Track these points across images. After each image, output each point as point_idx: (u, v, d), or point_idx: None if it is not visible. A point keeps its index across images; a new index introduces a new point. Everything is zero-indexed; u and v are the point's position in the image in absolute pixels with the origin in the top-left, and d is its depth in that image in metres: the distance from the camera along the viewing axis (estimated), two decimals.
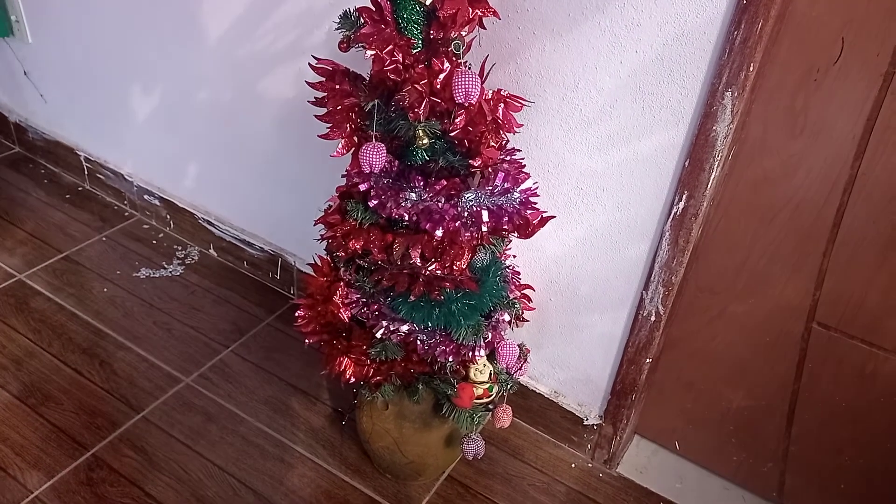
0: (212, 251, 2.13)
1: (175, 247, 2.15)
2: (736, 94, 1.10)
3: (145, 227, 2.22)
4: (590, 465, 1.63)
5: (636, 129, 1.23)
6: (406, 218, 1.19)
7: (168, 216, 2.17)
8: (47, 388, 1.66)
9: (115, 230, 2.19)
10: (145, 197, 2.20)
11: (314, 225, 1.35)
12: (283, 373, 1.77)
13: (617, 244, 1.36)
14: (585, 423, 1.59)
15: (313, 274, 1.42)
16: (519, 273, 1.42)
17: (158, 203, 2.17)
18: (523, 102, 1.19)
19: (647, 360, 1.43)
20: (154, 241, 2.16)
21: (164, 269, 2.06)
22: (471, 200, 1.15)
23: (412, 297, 1.21)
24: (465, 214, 1.16)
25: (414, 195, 1.17)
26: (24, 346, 1.76)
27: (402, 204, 1.17)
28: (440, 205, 1.16)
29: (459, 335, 1.26)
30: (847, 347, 1.31)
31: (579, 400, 1.59)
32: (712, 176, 1.18)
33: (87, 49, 2.05)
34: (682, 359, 1.51)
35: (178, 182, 2.09)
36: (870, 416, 1.35)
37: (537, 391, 1.63)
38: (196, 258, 2.12)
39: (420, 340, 1.29)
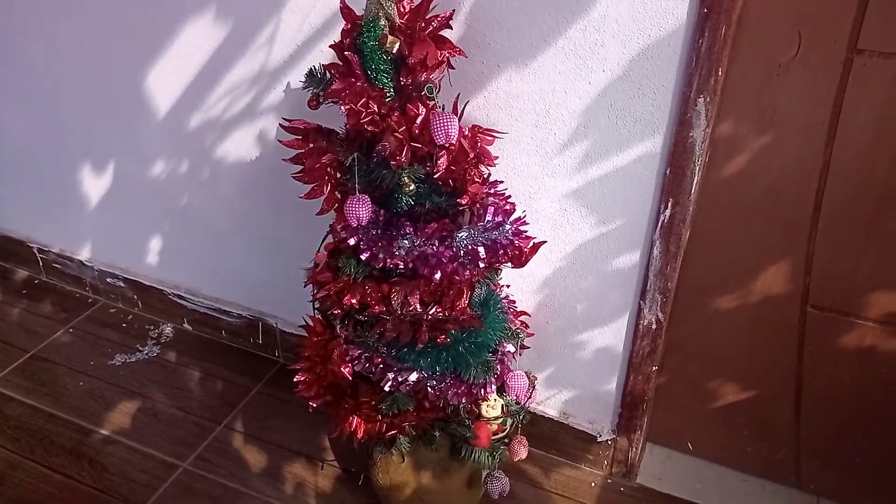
0: (186, 325, 2.06)
1: (147, 327, 2.07)
2: (708, 100, 1.12)
3: (112, 311, 2.14)
4: (609, 480, 1.62)
5: (612, 145, 1.24)
6: (401, 266, 1.17)
7: (135, 296, 2.10)
8: (37, 499, 1.56)
9: (80, 319, 2.10)
10: (108, 280, 2.12)
11: (304, 286, 1.32)
12: (282, 440, 1.71)
13: (607, 258, 1.36)
14: (599, 439, 1.58)
15: (307, 335, 1.38)
16: (514, 302, 1.41)
17: (123, 284, 2.09)
18: (496, 135, 1.19)
19: (654, 368, 1.43)
20: (124, 325, 2.08)
21: (140, 351, 1.98)
22: (465, 239, 1.15)
23: (419, 345, 1.19)
24: (462, 254, 1.15)
25: (407, 242, 1.15)
26: (5, 458, 1.65)
27: (397, 253, 1.16)
28: (435, 248, 1.15)
29: (470, 375, 1.24)
30: (843, 325, 1.34)
31: (590, 418, 1.58)
32: (695, 180, 1.20)
33: (27, 137, 1.98)
34: (685, 361, 1.52)
35: (142, 260, 2.02)
36: (874, 389, 1.38)
37: (546, 416, 1.62)
38: (171, 335, 2.04)
39: (430, 387, 1.26)
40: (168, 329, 2.06)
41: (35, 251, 2.20)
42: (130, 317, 2.11)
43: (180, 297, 2.01)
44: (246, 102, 1.58)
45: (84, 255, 2.14)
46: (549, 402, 1.61)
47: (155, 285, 2.04)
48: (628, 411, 1.51)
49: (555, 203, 1.35)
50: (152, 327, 2.07)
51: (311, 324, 1.38)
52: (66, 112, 1.85)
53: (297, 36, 1.43)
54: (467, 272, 1.15)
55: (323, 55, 1.41)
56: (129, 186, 1.90)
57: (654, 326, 1.38)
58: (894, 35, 1.08)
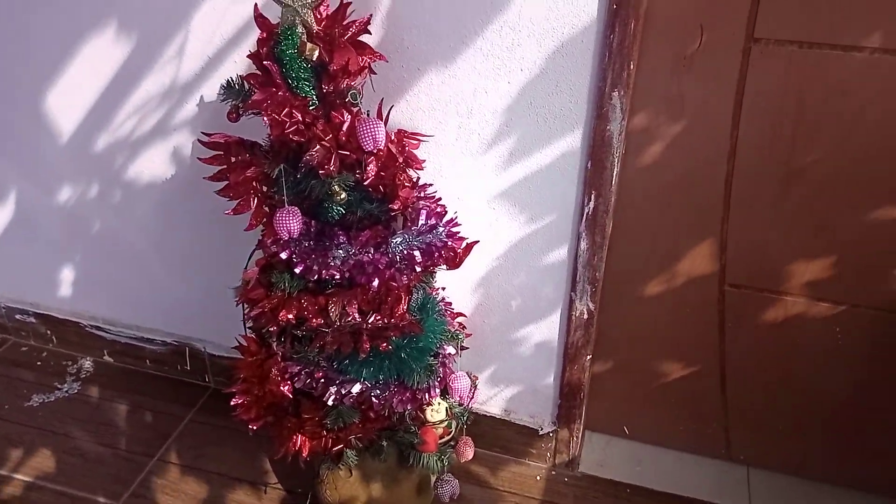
0: (107, 357, 1.96)
1: (64, 362, 1.96)
2: (622, 93, 1.17)
3: (24, 349, 2.01)
4: (554, 472, 1.65)
5: (535, 142, 1.27)
6: (337, 276, 1.16)
7: (48, 332, 1.98)
8: None
9: None
10: (17, 317, 1.99)
11: (236, 305, 1.29)
12: (220, 467, 1.66)
13: (538, 254, 1.39)
14: (541, 433, 1.61)
15: (241, 356, 1.35)
16: (451, 304, 1.42)
17: (34, 320, 1.97)
18: (421, 138, 1.20)
19: (588, 358, 1.47)
20: (39, 363, 1.96)
21: (59, 389, 1.88)
22: (400, 244, 1.15)
23: (361, 355, 1.18)
24: (398, 259, 1.15)
25: (342, 252, 1.14)
26: None
27: (332, 263, 1.14)
28: (371, 255, 1.14)
29: (413, 380, 1.24)
30: (759, 301, 1.42)
31: (530, 412, 1.61)
32: (615, 172, 1.25)
33: None
34: (615, 348, 1.57)
35: (54, 293, 1.91)
36: (793, 358, 1.46)
37: (488, 414, 1.63)
38: (91, 369, 1.94)
39: (374, 396, 1.25)
40: (87, 363, 1.96)
41: None
42: (45, 353, 1.99)
43: (98, 328, 1.92)
44: (157, 119, 1.52)
45: None
46: (490, 401, 1.62)
47: (70, 318, 1.93)
48: (567, 402, 1.55)
49: (483, 203, 1.37)
50: (70, 363, 1.96)
51: (244, 344, 1.35)
52: None
53: (207, 48, 1.39)
54: (405, 277, 1.15)
55: (237, 66, 1.38)
56: (33, 215, 1.79)
57: (585, 317, 1.42)
58: (787, 23, 1.16)
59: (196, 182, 1.56)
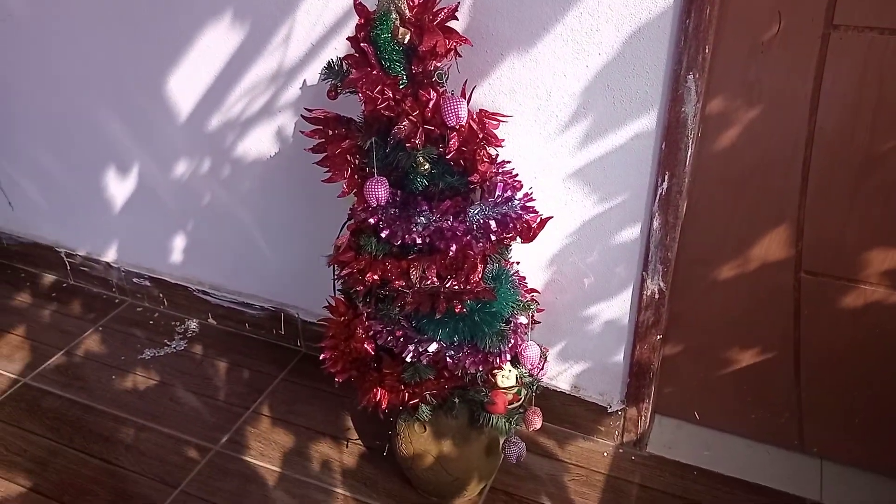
0: (211, 320, 2.15)
1: (173, 323, 2.17)
2: (697, 76, 1.21)
3: (139, 309, 2.23)
4: (621, 450, 1.69)
5: (611, 124, 1.33)
6: (419, 242, 1.26)
7: (161, 295, 2.19)
8: (79, 483, 1.65)
9: (109, 318, 2.20)
10: (134, 280, 2.21)
11: (328, 266, 1.41)
12: (308, 422, 1.80)
13: (611, 232, 1.45)
14: (609, 410, 1.66)
15: (331, 316, 1.47)
16: (524, 278, 1.49)
17: (149, 284, 2.19)
18: (501, 118, 1.28)
19: (658, 337, 1.51)
20: (151, 322, 2.18)
21: (168, 346, 2.08)
22: (478, 214, 1.23)
23: (437, 315, 1.27)
24: (475, 227, 1.24)
25: (423, 219, 1.24)
26: (46, 447, 1.75)
27: (414, 229, 1.24)
28: (450, 223, 1.23)
29: (485, 343, 1.33)
30: (836, 289, 1.42)
31: (600, 390, 1.66)
32: (689, 153, 1.29)
33: (53, 144, 2.08)
34: (687, 332, 1.59)
35: (166, 259, 2.12)
36: (870, 348, 1.45)
37: (558, 389, 1.69)
38: (197, 330, 2.14)
39: (449, 356, 1.34)
40: (193, 324, 2.16)
41: (63, 255, 2.30)
42: (157, 314, 2.21)
43: (204, 293, 2.11)
44: (264, 101, 1.67)
45: (110, 256, 2.23)
46: (560, 377, 1.69)
47: (180, 283, 2.13)
48: (636, 381, 1.59)
49: (559, 182, 1.44)
50: (178, 323, 2.17)
51: (333, 304, 1.47)
52: (89, 118, 1.95)
53: (310, 35, 1.52)
54: (480, 244, 1.24)
55: (336, 52, 1.51)
56: (152, 188, 2.00)
57: (656, 296, 1.46)
58: (866, 10, 1.17)
59: (297, 158, 1.71)
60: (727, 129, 1.34)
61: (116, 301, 2.28)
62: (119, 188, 2.06)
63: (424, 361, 1.36)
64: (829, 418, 1.58)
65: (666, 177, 1.32)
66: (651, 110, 1.29)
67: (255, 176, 1.81)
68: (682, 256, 1.48)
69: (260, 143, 1.74)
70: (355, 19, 1.42)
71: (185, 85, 1.75)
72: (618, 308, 1.53)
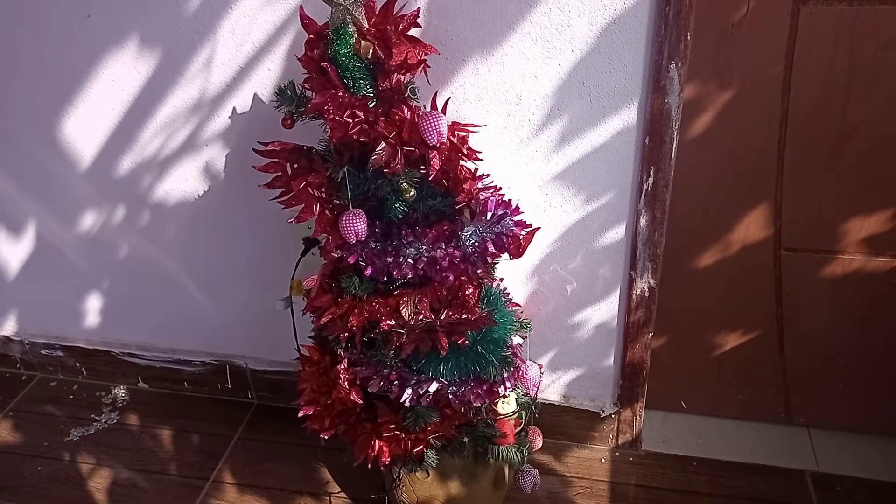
0: (142, 384, 1.91)
1: (98, 393, 1.91)
2: (680, 65, 1.16)
3: (53, 384, 1.95)
4: (618, 453, 1.64)
5: (588, 123, 1.26)
6: (410, 276, 1.13)
7: (77, 364, 1.93)
8: None
9: (18, 400, 1.91)
10: (42, 352, 1.93)
11: (303, 315, 1.26)
12: (280, 482, 1.63)
13: (594, 235, 1.38)
14: (602, 415, 1.60)
15: (304, 368, 1.32)
16: (509, 294, 1.40)
17: (62, 353, 1.92)
18: (471, 130, 1.17)
19: (650, 335, 1.46)
20: (71, 396, 1.91)
21: (97, 421, 1.82)
22: (472, 236, 1.13)
23: (442, 353, 1.15)
24: (471, 252, 1.13)
25: (413, 250, 1.12)
26: None
27: (404, 262, 1.12)
28: (443, 251, 1.12)
29: (490, 373, 1.22)
30: (816, 262, 1.42)
31: (590, 395, 1.60)
32: (674, 146, 1.24)
33: None
34: (669, 323, 1.56)
35: (80, 324, 1.86)
36: (852, 316, 1.47)
37: (546, 402, 1.62)
38: (127, 398, 1.89)
39: (451, 393, 1.23)
40: (122, 392, 1.91)
41: None
42: (76, 386, 1.94)
43: (131, 355, 1.87)
44: (186, 135, 1.48)
45: (8, 329, 1.94)
46: (549, 389, 1.61)
47: (100, 348, 1.88)
48: (629, 382, 1.54)
49: (535, 189, 1.35)
50: (104, 393, 1.91)
51: (306, 354, 1.32)
52: None
53: (237, 56, 1.35)
54: (479, 270, 1.13)
55: (270, 72, 1.34)
56: (54, 246, 1.74)
57: (647, 294, 1.41)
58: None
59: (231, 195, 1.53)
60: (701, 116, 1.31)
61: (23, 378, 1.98)
62: (11, 251, 1.78)
63: (424, 403, 1.24)
64: (813, 388, 1.59)
65: (651, 171, 1.26)
66: (631, 104, 1.22)
67: (181, 220, 1.61)
68: (665, 249, 1.43)
69: (185, 182, 1.54)
70: (290, 35, 1.28)
71: (86, 126, 1.52)
72: (605, 311, 1.47)
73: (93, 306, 1.83)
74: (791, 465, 1.58)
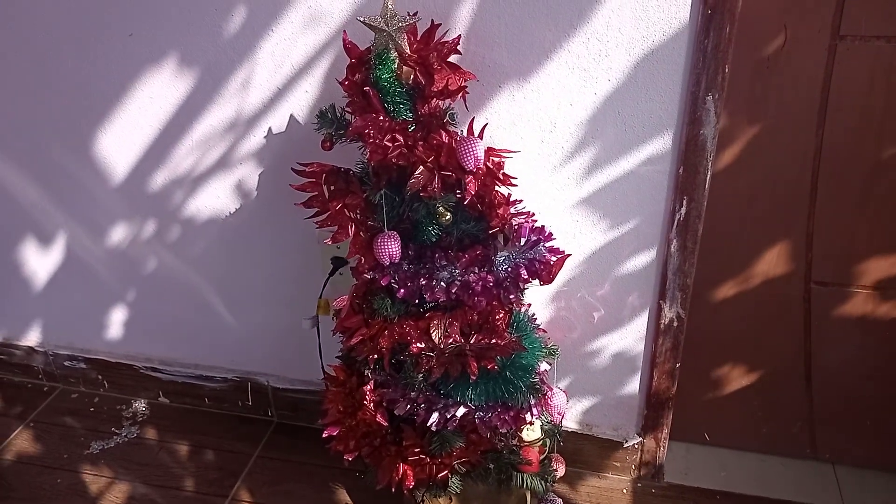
0: (163, 398, 1.91)
1: (118, 407, 1.91)
2: (717, 96, 1.16)
3: (74, 396, 1.96)
4: (639, 484, 1.62)
5: (621, 151, 1.26)
6: (443, 299, 1.14)
7: (100, 377, 1.93)
8: None
9: (39, 411, 1.91)
10: (66, 364, 1.94)
11: (332, 335, 1.26)
12: (298, 502, 1.62)
13: (622, 263, 1.38)
14: (625, 445, 1.59)
15: (330, 388, 1.32)
16: (536, 318, 1.40)
17: (84, 366, 1.93)
18: (507, 155, 1.18)
19: (677, 365, 1.45)
20: (92, 409, 1.91)
21: (117, 434, 1.83)
22: (506, 261, 1.13)
23: (472, 378, 1.15)
24: (503, 277, 1.13)
25: (446, 273, 1.12)
26: None
27: (437, 286, 1.12)
28: (477, 275, 1.12)
29: (518, 400, 1.22)
30: (846, 296, 1.41)
31: (613, 424, 1.59)
32: (707, 176, 1.24)
33: None
34: (694, 353, 1.55)
35: (104, 337, 1.87)
36: (882, 352, 1.46)
37: (567, 430, 1.60)
38: (147, 412, 1.90)
39: (478, 419, 1.22)
40: (142, 406, 1.91)
41: None
42: (97, 399, 1.94)
43: (153, 369, 1.87)
44: (220, 153, 1.50)
45: (32, 340, 1.95)
46: (569, 416, 1.60)
47: (123, 361, 1.89)
48: (654, 411, 1.52)
49: (566, 215, 1.35)
50: (124, 407, 1.92)
51: (333, 374, 1.32)
52: (3, 185, 1.70)
53: (274, 78, 1.37)
54: (512, 295, 1.13)
55: (308, 94, 1.36)
56: (82, 259, 1.75)
57: (675, 324, 1.40)
58: (872, 19, 1.16)
59: (262, 213, 1.55)
60: (734, 146, 1.31)
61: (45, 389, 1.99)
62: (40, 262, 1.80)
63: (451, 428, 1.23)
64: (839, 423, 1.57)
65: (684, 201, 1.27)
66: (666, 134, 1.23)
67: (210, 236, 1.62)
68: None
69: (216, 199, 1.56)
70: (328, 59, 1.29)
71: (122, 140, 1.54)
72: (631, 339, 1.46)
73: (117, 319, 1.84)
74: (815, 502, 1.56)
